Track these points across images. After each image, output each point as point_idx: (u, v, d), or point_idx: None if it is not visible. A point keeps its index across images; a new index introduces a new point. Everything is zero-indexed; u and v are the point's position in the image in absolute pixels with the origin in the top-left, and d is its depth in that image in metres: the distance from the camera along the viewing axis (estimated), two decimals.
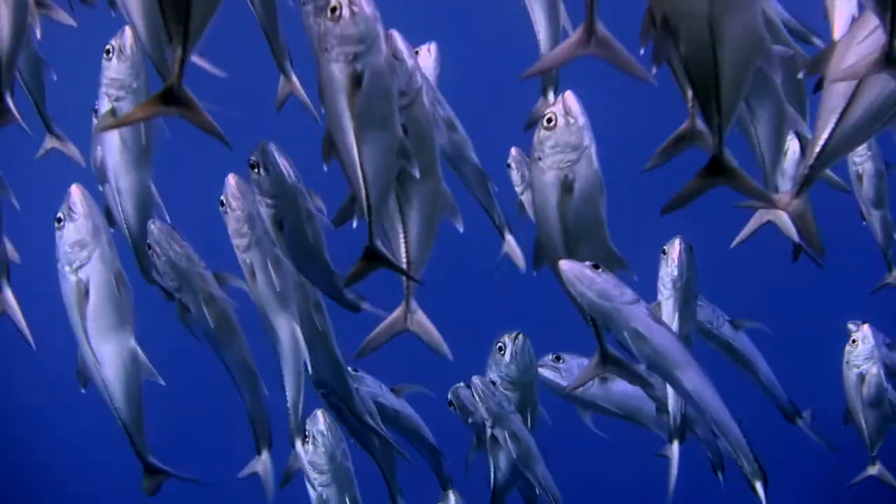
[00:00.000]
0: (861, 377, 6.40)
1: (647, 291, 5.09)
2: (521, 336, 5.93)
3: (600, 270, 4.46)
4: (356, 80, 3.72)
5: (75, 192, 4.94)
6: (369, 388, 6.09)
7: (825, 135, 3.93)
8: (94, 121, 5.36)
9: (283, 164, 4.65)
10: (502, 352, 5.88)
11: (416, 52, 5.71)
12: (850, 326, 6.84)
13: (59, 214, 4.93)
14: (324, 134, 3.93)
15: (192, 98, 3.43)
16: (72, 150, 5.88)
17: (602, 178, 4.49)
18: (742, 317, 6.50)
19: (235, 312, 5.41)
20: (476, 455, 6.26)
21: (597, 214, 4.50)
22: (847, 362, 6.45)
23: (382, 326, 4.58)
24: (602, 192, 4.50)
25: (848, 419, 6.63)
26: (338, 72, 3.72)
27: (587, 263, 4.46)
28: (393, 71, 3.85)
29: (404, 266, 4.34)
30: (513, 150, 6.08)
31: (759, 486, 4.85)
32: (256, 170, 4.62)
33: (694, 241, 5.58)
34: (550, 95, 5.64)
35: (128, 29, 4.88)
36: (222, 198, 5.07)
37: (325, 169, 3.96)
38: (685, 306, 5.48)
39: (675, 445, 5.72)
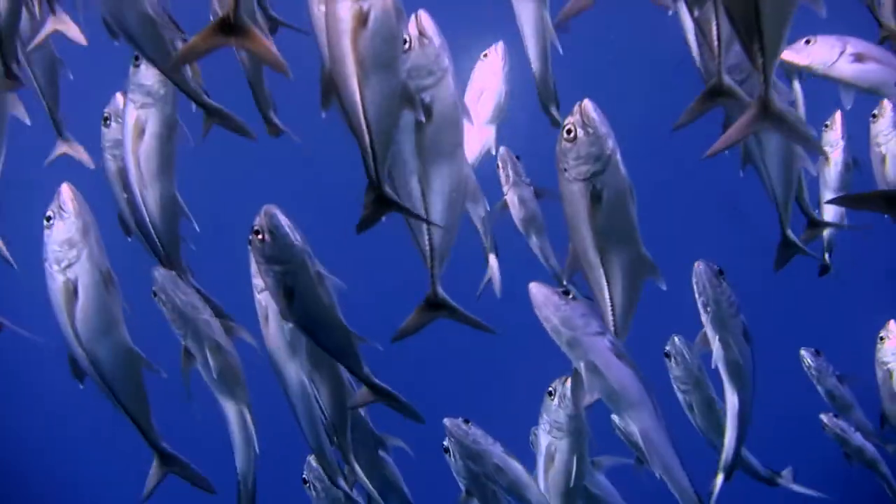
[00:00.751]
0: (889, 374, 6.34)
1: (678, 302, 5.02)
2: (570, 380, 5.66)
3: (570, 297, 4.43)
4: (362, 20, 3.55)
5: (66, 190, 4.83)
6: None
7: None
8: (104, 129, 5.29)
9: (288, 226, 4.49)
10: (552, 396, 5.63)
11: (485, 55, 5.85)
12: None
13: (49, 212, 4.81)
14: (323, 76, 3.75)
15: (251, 27, 3.33)
16: (81, 153, 5.83)
17: (631, 183, 4.40)
18: None
19: (240, 364, 5.35)
20: None
21: (628, 221, 4.43)
22: (877, 361, 6.36)
23: (411, 319, 4.35)
24: (632, 197, 4.41)
25: (884, 422, 6.58)
26: (343, 10, 3.55)
27: (558, 289, 4.43)
28: (401, 15, 3.70)
29: (427, 250, 4.18)
30: (502, 150, 6.04)
31: None
32: (260, 236, 4.45)
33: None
34: (553, 110, 5.67)
35: None
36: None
37: (324, 115, 3.78)
38: (724, 329, 5.32)
39: (720, 479, 5.62)
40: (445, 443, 6.05)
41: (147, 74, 4.85)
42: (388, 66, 3.65)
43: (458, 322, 4.28)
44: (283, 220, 4.47)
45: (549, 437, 5.62)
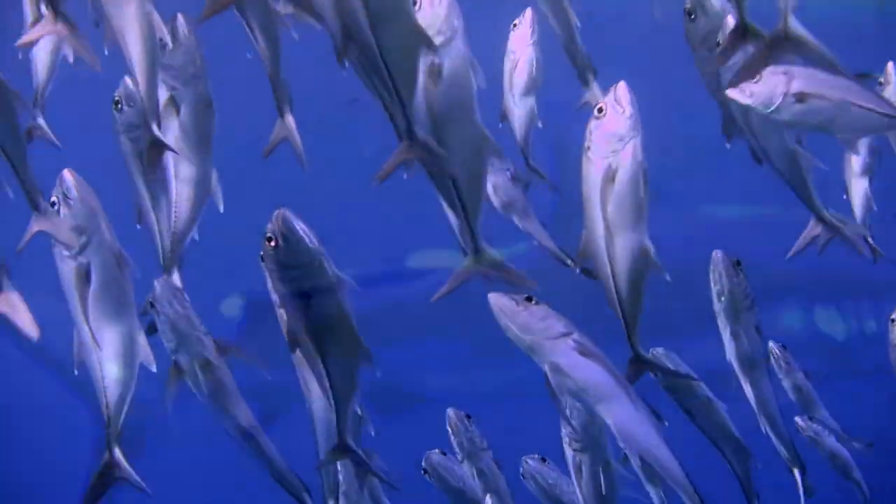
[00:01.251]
0: None
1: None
2: None
3: (533, 302, 4.43)
4: None
5: (68, 176, 4.72)
6: None
7: None
8: (116, 114, 5.16)
9: (302, 228, 4.36)
10: None
11: (515, 24, 5.92)
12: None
13: (53, 199, 4.70)
14: (334, 36, 3.77)
15: None
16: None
17: (646, 170, 4.43)
18: None
19: (233, 380, 5.22)
20: None
21: (638, 207, 4.44)
22: (891, 343, 6.12)
23: (455, 274, 4.36)
24: (644, 184, 4.43)
25: None
26: None
27: (520, 296, 4.43)
28: None
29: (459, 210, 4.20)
30: None
31: None
32: (273, 242, 4.31)
33: None
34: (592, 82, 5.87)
35: (180, 16, 4.85)
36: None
37: (345, 72, 3.77)
38: (736, 321, 5.34)
39: (797, 473, 5.69)
40: (424, 463, 6.14)
41: (175, 55, 4.85)
42: (397, 12, 3.68)
43: (503, 279, 4.31)
44: (297, 223, 4.35)
45: (570, 450, 5.62)
